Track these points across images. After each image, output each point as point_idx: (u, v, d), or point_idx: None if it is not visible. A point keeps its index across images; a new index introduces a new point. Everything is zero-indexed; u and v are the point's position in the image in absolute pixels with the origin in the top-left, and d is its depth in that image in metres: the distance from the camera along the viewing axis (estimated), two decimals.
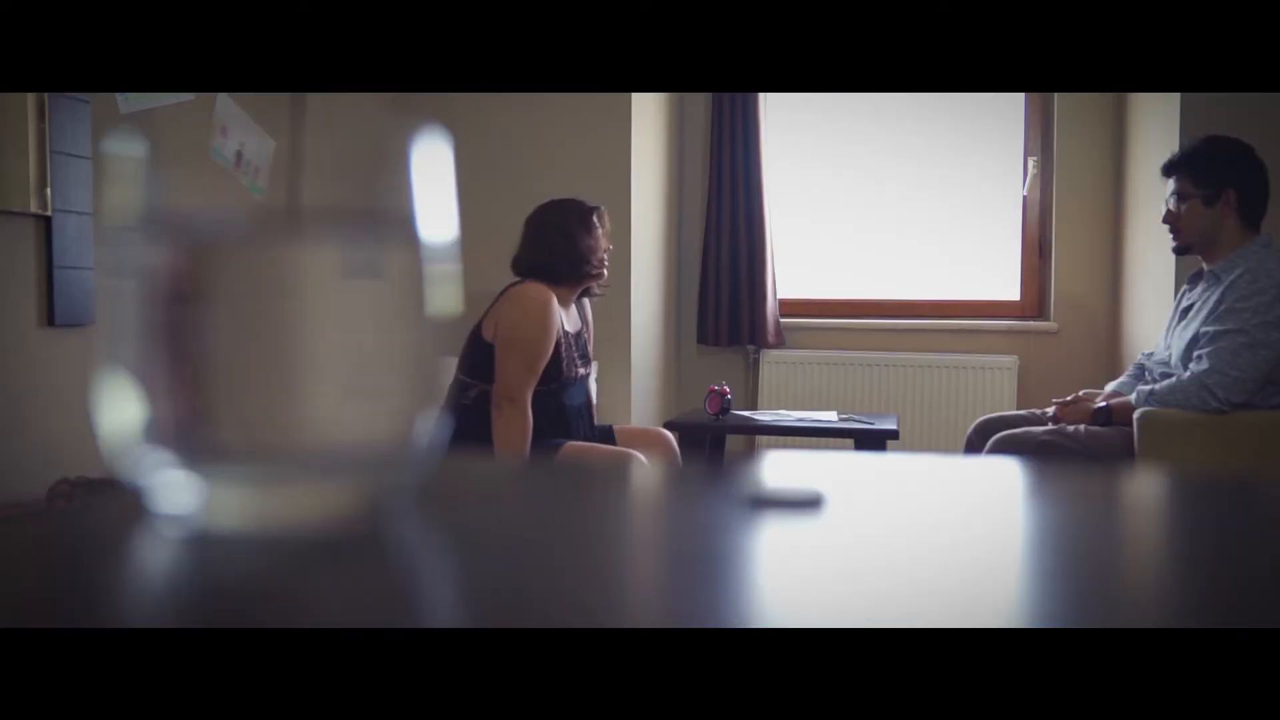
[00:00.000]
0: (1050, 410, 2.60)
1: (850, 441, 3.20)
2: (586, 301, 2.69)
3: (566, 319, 2.51)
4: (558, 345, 2.43)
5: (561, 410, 2.50)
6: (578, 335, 2.57)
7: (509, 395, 2.34)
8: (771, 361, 3.94)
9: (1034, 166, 3.84)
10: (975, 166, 3.95)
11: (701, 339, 4.01)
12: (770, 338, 3.93)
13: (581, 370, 2.55)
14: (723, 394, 3.17)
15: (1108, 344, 3.73)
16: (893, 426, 3.07)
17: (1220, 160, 2.41)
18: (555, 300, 2.41)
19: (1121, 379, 2.70)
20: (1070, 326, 3.78)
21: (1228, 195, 2.38)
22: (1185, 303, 2.50)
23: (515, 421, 2.34)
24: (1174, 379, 2.32)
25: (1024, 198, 3.87)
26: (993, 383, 3.74)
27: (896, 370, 3.85)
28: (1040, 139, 3.84)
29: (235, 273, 0.31)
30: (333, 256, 0.32)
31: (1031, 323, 3.83)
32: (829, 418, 3.24)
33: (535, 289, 2.41)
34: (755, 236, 3.90)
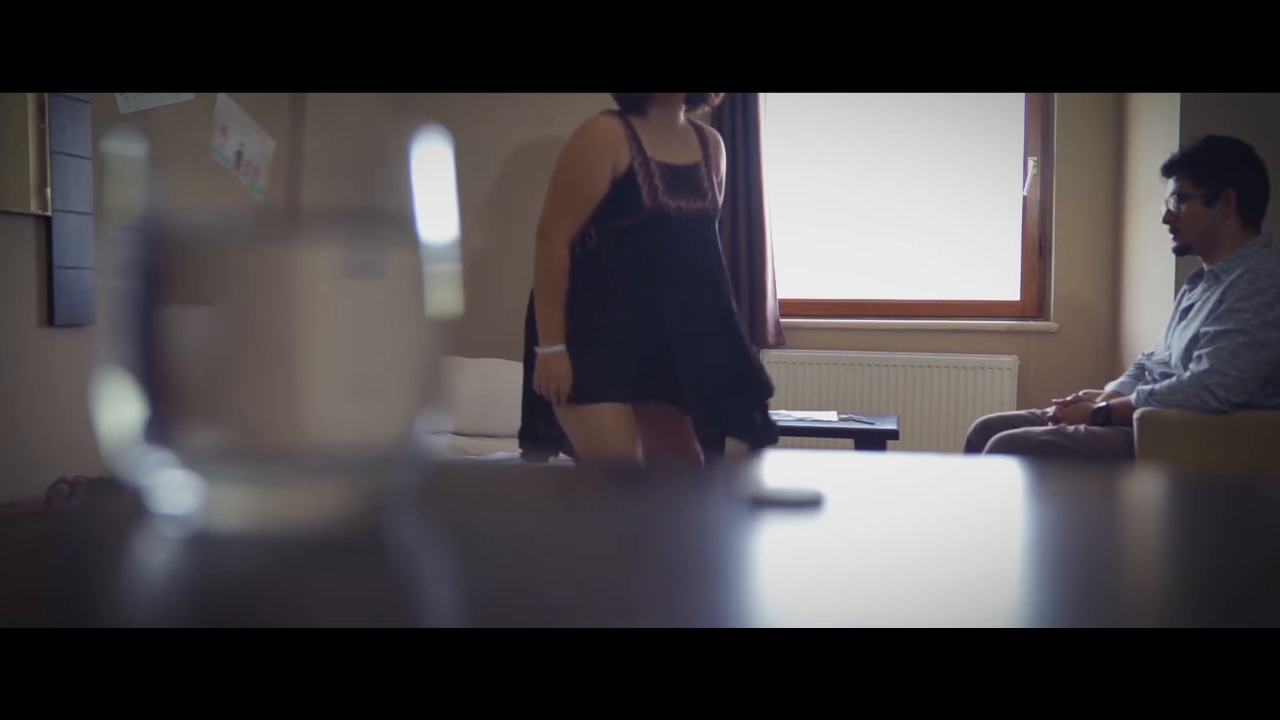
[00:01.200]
0: (1050, 410, 2.61)
1: (850, 441, 3.20)
2: (713, 134, 2.35)
3: (660, 147, 2.19)
4: (631, 175, 2.14)
5: (648, 252, 2.16)
6: (684, 166, 2.22)
7: (541, 230, 2.19)
8: (771, 361, 3.94)
9: (1034, 166, 3.84)
10: (975, 166, 3.95)
11: None
12: (770, 338, 3.93)
13: (684, 202, 2.20)
14: None
15: (1108, 344, 3.73)
16: (893, 426, 3.07)
17: (1220, 160, 2.42)
18: (611, 129, 2.16)
19: (1121, 379, 2.70)
20: (1070, 326, 3.78)
21: (1228, 195, 2.38)
22: (1185, 303, 2.50)
23: (541, 259, 2.18)
24: (1174, 379, 2.33)
25: (1024, 198, 3.87)
26: (993, 383, 3.74)
27: (896, 370, 3.85)
28: (1040, 139, 3.84)
29: (235, 273, 0.31)
30: (333, 256, 0.32)
31: (1031, 323, 3.83)
32: (829, 418, 3.24)
33: (593, 119, 2.19)
34: (755, 236, 3.90)
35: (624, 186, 2.15)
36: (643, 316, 2.16)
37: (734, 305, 2.30)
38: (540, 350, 2.18)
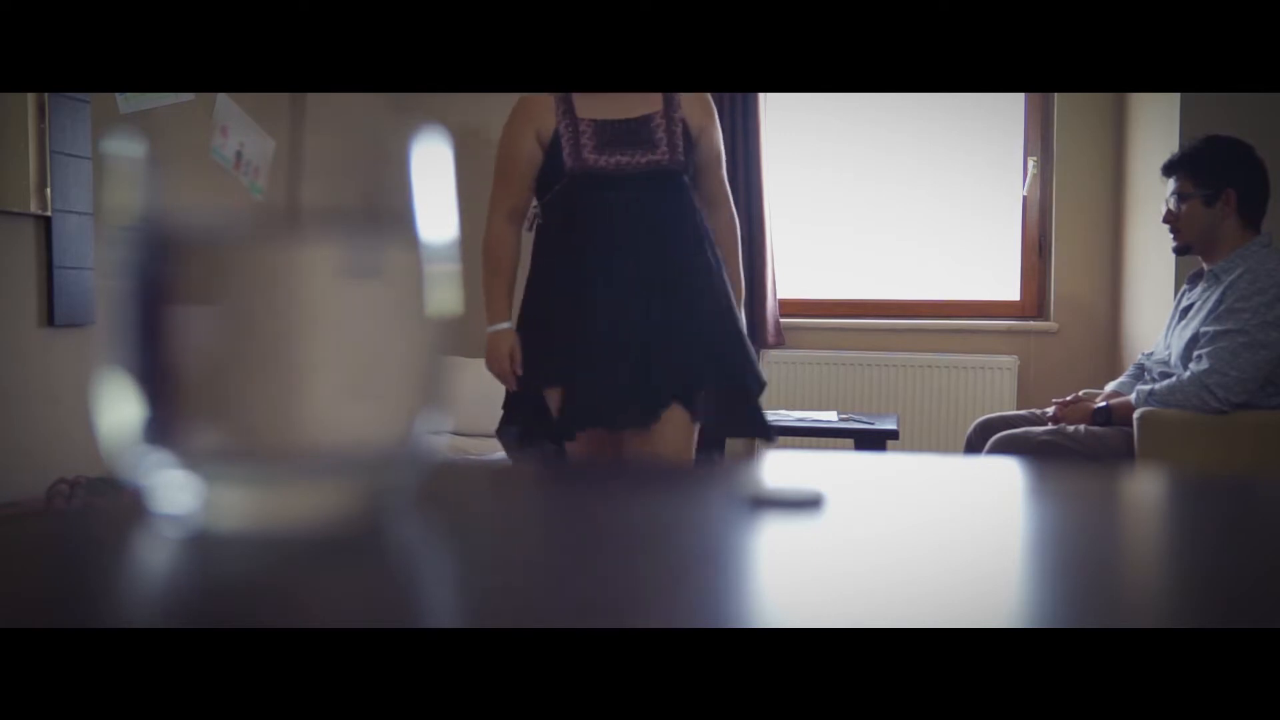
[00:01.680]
0: (1050, 410, 2.61)
1: (850, 441, 3.20)
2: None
3: (597, 105, 2.07)
4: (556, 138, 2.05)
5: (571, 217, 2.03)
6: (629, 120, 2.06)
7: (488, 216, 2.17)
8: (771, 361, 3.94)
9: (1034, 166, 3.84)
10: (975, 166, 3.95)
11: None
12: (770, 338, 3.93)
13: (625, 157, 2.03)
14: None
15: (1108, 344, 3.74)
16: (893, 426, 3.07)
17: (1220, 160, 2.42)
18: (535, 97, 2.10)
19: (1121, 379, 2.70)
20: (1070, 326, 3.78)
21: (1228, 195, 2.38)
22: (1185, 302, 2.50)
23: (483, 239, 2.16)
24: (1174, 379, 2.33)
25: (1024, 198, 3.87)
26: (993, 383, 3.74)
27: (896, 370, 3.85)
28: (1040, 139, 3.84)
29: (235, 273, 0.31)
30: (333, 256, 0.32)
31: (1031, 323, 3.83)
32: (829, 418, 3.24)
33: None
34: (755, 236, 3.90)
35: (552, 152, 2.06)
36: (567, 289, 2.03)
37: (691, 268, 2.06)
38: (487, 330, 2.14)
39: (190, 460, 0.31)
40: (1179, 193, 2.44)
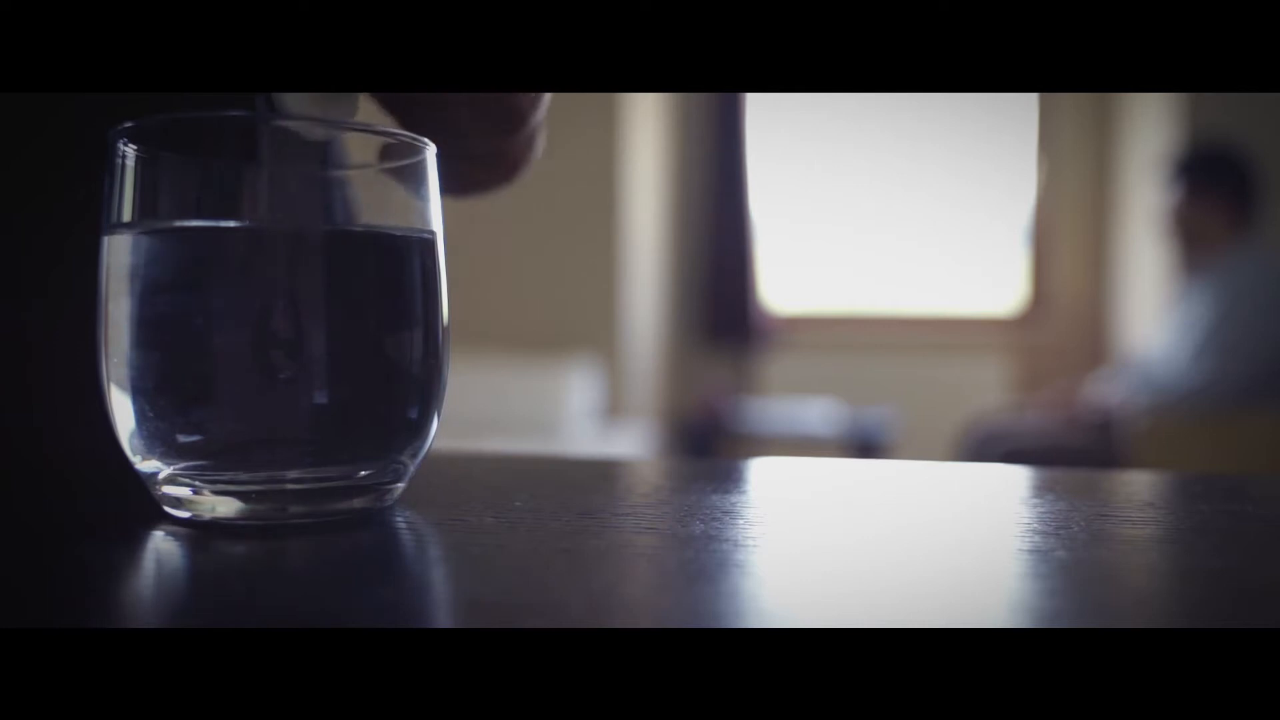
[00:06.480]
0: (1046, 409, 2.61)
1: (848, 444, 3.21)
2: None
3: None
4: None
5: None
6: None
7: None
8: (770, 361, 3.94)
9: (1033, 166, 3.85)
10: (974, 166, 3.96)
11: (699, 337, 4.02)
12: (768, 338, 3.93)
13: None
14: (718, 397, 3.18)
15: (1104, 344, 3.74)
16: (888, 427, 3.08)
17: (1215, 161, 2.42)
18: None
19: (1119, 380, 2.71)
20: (1067, 326, 3.79)
21: (1223, 195, 2.38)
22: (1181, 303, 2.50)
23: None
24: (1172, 379, 2.33)
25: (1023, 198, 3.88)
26: (988, 382, 3.76)
27: (893, 371, 3.85)
28: (1038, 139, 3.86)
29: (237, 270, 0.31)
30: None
31: (1029, 323, 3.84)
32: (823, 406, 3.25)
33: None
34: (741, 235, 3.91)
35: None
36: None
37: None
38: None
39: (190, 460, 0.31)
40: (1174, 193, 2.45)
